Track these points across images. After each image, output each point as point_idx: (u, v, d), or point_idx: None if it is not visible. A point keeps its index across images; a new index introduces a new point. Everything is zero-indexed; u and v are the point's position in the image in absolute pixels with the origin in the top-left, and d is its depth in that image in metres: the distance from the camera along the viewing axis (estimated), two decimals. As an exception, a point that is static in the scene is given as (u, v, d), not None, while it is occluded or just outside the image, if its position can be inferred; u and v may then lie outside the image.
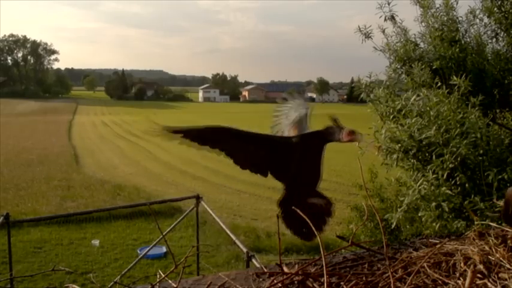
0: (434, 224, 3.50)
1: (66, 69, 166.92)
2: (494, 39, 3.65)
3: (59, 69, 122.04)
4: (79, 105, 73.22)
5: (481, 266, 1.21)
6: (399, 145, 2.89)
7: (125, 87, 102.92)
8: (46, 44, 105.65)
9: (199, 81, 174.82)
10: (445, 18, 3.62)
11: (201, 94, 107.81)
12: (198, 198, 6.71)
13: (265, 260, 8.92)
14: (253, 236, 12.35)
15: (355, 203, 7.27)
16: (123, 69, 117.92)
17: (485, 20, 3.61)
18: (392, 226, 4.25)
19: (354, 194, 13.02)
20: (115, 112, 61.47)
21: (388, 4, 3.55)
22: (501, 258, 1.26)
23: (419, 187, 3.47)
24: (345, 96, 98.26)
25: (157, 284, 1.28)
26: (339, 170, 19.18)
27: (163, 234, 6.65)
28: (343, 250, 1.47)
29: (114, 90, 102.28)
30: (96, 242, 11.36)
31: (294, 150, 2.04)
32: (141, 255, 7.64)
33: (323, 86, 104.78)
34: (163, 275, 1.25)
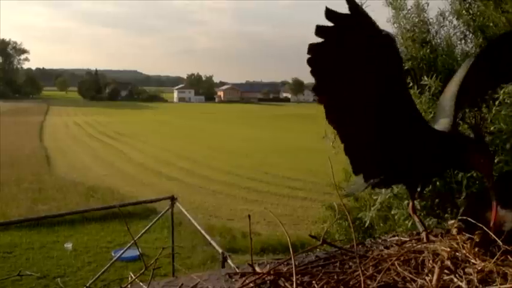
0: (406, 222, 3.56)
1: (37, 69, 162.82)
2: (463, 41, 3.74)
3: (29, 69, 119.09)
4: (50, 106, 71.71)
5: (448, 262, 1.24)
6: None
7: (98, 88, 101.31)
8: (15, 43, 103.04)
9: (173, 81, 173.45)
10: (417, 20, 3.69)
11: (175, 94, 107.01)
12: (173, 199, 6.65)
13: (242, 260, 8.92)
14: (229, 236, 12.36)
15: (330, 202, 7.35)
16: (96, 69, 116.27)
17: (455, 22, 3.70)
18: (366, 224, 4.32)
19: (329, 193, 13.14)
20: (88, 113, 60.48)
21: (361, 5, 3.60)
22: (467, 254, 1.30)
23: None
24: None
25: (129, 286, 1.27)
26: (314, 170, 19.34)
27: (135, 238, 6.57)
28: (318, 249, 1.48)
29: (87, 91, 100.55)
30: (68, 245, 11.15)
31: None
32: (115, 258, 7.53)
33: (298, 86, 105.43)
34: (134, 277, 1.23)
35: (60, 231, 12.16)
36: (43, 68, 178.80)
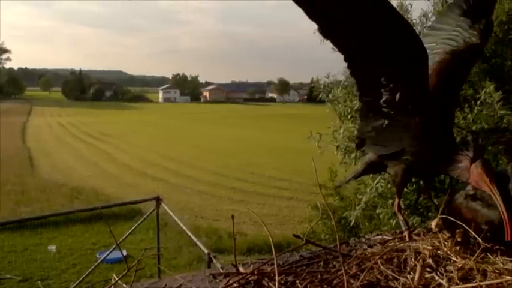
0: (391, 221, 3.60)
1: (20, 68, 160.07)
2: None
3: (11, 69, 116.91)
4: (33, 106, 70.67)
5: (429, 260, 1.26)
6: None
7: (83, 88, 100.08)
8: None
9: (159, 81, 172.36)
10: (400, 20, 3.72)
11: (161, 95, 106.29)
12: (158, 200, 6.62)
13: (228, 260, 8.90)
14: (215, 236, 12.33)
15: (316, 202, 7.41)
16: (80, 69, 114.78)
17: (437, 22, 3.74)
18: (351, 223, 4.35)
19: (314, 193, 13.22)
20: (72, 113, 59.78)
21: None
22: (448, 252, 1.32)
23: (377, 185, 3.56)
24: (305, 97, 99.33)
25: (112, 287, 1.26)
26: (300, 170, 19.40)
27: (119, 240, 6.52)
28: (302, 249, 1.48)
29: (71, 91, 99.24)
30: (52, 248, 11.00)
31: None
32: (100, 260, 7.46)
33: (283, 86, 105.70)
34: (117, 279, 1.23)
35: (43, 233, 11.99)
36: (26, 68, 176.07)
